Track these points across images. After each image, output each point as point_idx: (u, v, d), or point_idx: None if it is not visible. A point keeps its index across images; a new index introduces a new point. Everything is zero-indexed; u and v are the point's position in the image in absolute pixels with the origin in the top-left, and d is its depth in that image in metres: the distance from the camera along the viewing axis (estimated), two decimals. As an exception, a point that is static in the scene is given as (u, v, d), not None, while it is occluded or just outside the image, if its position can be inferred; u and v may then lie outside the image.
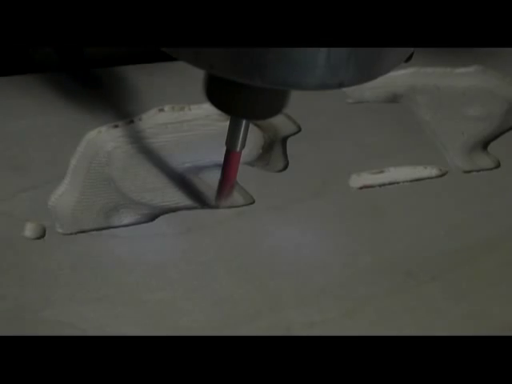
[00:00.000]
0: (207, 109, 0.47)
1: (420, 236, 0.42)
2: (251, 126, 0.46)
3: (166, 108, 0.47)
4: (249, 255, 0.40)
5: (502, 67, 0.55)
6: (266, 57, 0.29)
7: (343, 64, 0.30)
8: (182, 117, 0.47)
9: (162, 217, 0.41)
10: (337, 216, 0.42)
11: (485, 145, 0.49)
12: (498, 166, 0.47)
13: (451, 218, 0.43)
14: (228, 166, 0.39)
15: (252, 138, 0.47)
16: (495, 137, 0.50)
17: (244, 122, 0.37)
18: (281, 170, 0.44)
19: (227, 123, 0.46)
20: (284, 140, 0.46)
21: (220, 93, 0.35)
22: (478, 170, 0.47)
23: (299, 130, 0.47)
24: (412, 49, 0.34)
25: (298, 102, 0.47)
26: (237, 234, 0.41)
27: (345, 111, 0.49)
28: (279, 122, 0.48)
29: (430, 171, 0.46)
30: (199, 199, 0.43)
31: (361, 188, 0.45)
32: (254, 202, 0.42)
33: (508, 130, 0.50)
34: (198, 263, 0.39)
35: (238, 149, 0.38)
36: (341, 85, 0.31)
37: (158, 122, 0.46)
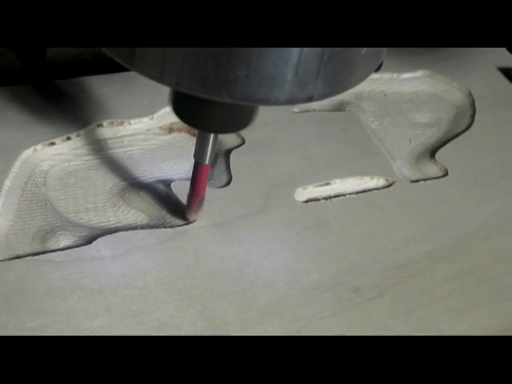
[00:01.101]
0: (147, 123, 0.46)
1: (367, 250, 0.41)
2: (193, 140, 0.45)
3: (105, 123, 0.45)
4: (190, 277, 0.38)
5: (450, 71, 0.54)
6: (233, 73, 0.28)
7: (312, 78, 0.29)
8: (121, 132, 0.46)
9: (100, 239, 0.39)
10: (282, 232, 0.41)
11: (432, 152, 0.48)
12: (445, 174, 0.47)
13: (398, 231, 0.43)
14: (197, 180, 0.38)
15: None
16: (443, 143, 0.49)
17: (212, 134, 0.36)
18: (224, 185, 0.43)
19: (168, 137, 0.45)
20: (227, 153, 0.45)
21: (186, 108, 0.34)
22: (425, 179, 0.46)
23: (243, 142, 0.46)
24: (382, 58, 0.33)
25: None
26: (178, 254, 0.39)
27: (290, 121, 0.48)
28: (222, 134, 0.46)
29: (377, 182, 0.46)
30: (140, 218, 0.41)
31: (306, 202, 0.44)
32: (196, 220, 0.41)
33: (456, 137, 0.49)
34: (137, 287, 0.37)
35: (207, 162, 0.37)
36: (310, 99, 0.30)
37: (97, 137, 0.45)
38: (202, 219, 0.41)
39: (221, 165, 0.45)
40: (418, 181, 0.46)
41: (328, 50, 0.29)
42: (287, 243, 0.41)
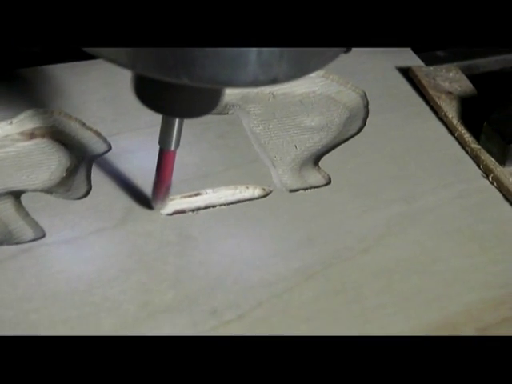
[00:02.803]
0: (5, 128, 0.43)
1: (231, 267, 0.38)
2: (56, 146, 0.42)
3: (-44, 129, 0.42)
4: (29, 300, 0.35)
5: (345, 72, 0.51)
6: (192, 54, 0.27)
7: (276, 59, 0.28)
8: (-26, 138, 0.42)
9: None
10: (140, 248, 0.38)
11: (317, 159, 0.45)
12: (328, 182, 0.44)
13: (269, 245, 0.40)
14: (162, 167, 0.37)
15: (56, 159, 0.42)
16: (330, 149, 0.46)
17: (177, 119, 0.35)
18: (81, 197, 0.40)
19: (29, 143, 0.42)
20: (91, 161, 0.42)
21: (149, 91, 0.32)
22: (305, 189, 0.43)
23: (109, 148, 0.43)
24: None
25: (110, 116, 0.43)
26: (18, 275, 0.36)
27: (165, 126, 0.45)
28: (88, 139, 0.43)
29: (253, 191, 0.43)
30: (-16, 234, 0.38)
31: (172, 214, 0.40)
32: (44, 236, 0.37)
33: (344, 142, 0.46)
34: (-35, 313, 0.34)
35: (172, 147, 0.36)
36: (274, 81, 0.29)
37: None
38: (50, 235, 0.38)
39: (82, 174, 0.41)
40: (297, 190, 0.43)
41: None
42: (143, 260, 0.38)
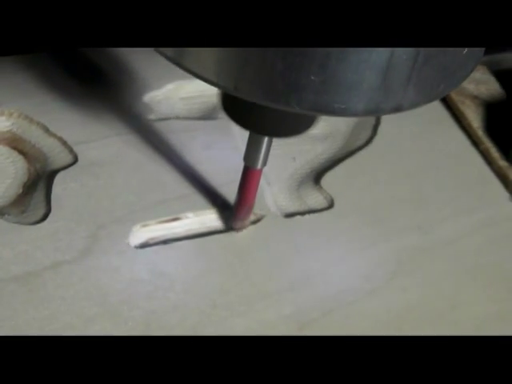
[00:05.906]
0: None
1: (211, 314, 0.33)
2: (13, 155, 0.36)
3: None
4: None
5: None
6: (307, 78, 0.23)
7: (402, 84, 0.25)
8: None
9: None
10: (102, 288, 0.32)
11: (319, 175, 0.39)
12: (330, 205, 0.37)
13: (257, 285, 0.34)
14: (246, 185, 0.34)
15: (12, 172, 0.36)
16: (334, 163, 0.40)
17: (267, 137, 0.32)
18: (37, 221, 0.34)
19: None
20: (52, 175, 0.36)
21: (240, 109, 0.30)
22: (302, 213, 0.37)
23: (75, 160, 0.36)
24: (482, 55, 0.28)
25: (79, 120, 0.37)
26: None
27: (143, 133, 0.39)
28: (50, 148, 0.37)
29: (242, 216, 0.36)
30: None
31: (144, 244, 0.34)
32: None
33: (350, 155, 0.40)
34: None
35: (259, 166, 0.33)
36: (398, 109, 0.25)
37: None
38: (-3, 270, 0.32)
39: (40, 192, 0.35)
40: (294, 214, 0.37)
41: (424, 49, 0.24)
42: (107, 304, 0.32)
